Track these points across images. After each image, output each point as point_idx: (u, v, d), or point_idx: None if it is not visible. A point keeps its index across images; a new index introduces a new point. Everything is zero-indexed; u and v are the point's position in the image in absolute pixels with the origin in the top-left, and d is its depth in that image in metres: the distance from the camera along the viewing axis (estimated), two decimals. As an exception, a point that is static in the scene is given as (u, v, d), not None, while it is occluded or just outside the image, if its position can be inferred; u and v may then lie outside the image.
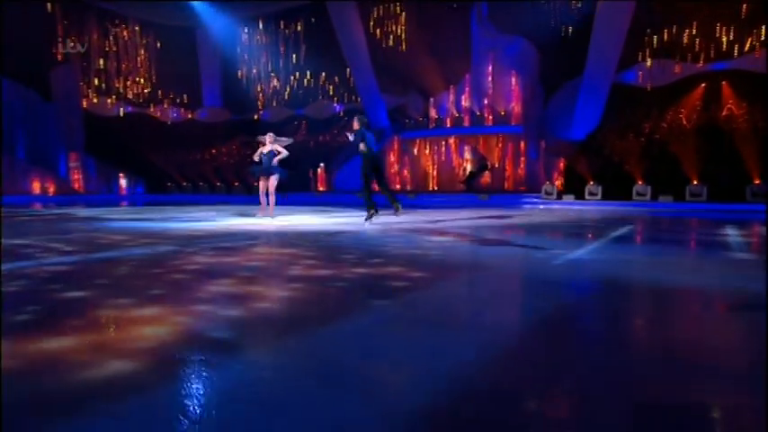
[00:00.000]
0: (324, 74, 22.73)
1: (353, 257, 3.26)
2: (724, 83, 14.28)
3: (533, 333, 1.85)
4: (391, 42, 20.22)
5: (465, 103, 18.42)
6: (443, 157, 18.74)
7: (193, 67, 23.94)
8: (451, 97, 18.89)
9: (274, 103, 23.88)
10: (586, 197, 12.69)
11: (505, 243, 4.05)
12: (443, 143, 18.79)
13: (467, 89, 18.35)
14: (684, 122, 14.30)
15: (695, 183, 11.64)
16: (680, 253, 3.80)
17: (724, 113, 13.78)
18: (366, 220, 5.86)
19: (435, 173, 18.83)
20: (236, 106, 24.00)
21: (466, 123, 18.09)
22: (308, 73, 23.03)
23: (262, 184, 6.47)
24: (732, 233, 5.11)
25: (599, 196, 12.53)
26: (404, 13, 19.90)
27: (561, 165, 14.87)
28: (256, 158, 6.53)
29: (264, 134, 6.64)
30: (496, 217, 6.94)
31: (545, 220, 6.51)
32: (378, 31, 20.16)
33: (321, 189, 19.25)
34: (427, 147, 19.25)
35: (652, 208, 10.16)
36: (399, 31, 20.06)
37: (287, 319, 2.00)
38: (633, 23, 14.67)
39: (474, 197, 14.07)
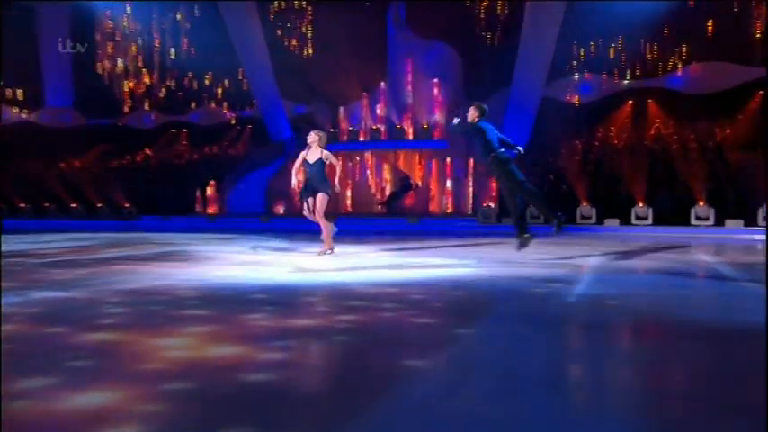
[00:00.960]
0: (211, 74, 21.65)
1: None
2: (650, 101, 15.70)
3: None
4: (295, 42, 19.82)
5: (381, 112, 18.41)
6: (358, 175, 18.46)
7: (31, 57, 21.47)
8: (365, 106, 18.80)
9: (146, 107, 22.23)
10: (528, 221, 12.88)
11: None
12: (358, 159, 18.62)
13: (382, 98, 18.39)
14: (615, 141, 15.45)
15: (641, 205, 12.48)
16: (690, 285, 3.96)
17: (652, 132, 15.11)
18: (519, 247, 5.31)
19: (349, 193, 18.45)
20: (93, 108, 21.89)
21: (383, 137, 18.06)
22: (191, 72, 21.83)
23: (307, 205, 5.62)
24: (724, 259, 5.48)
25: (540, 220, 12.77)
26: (310, 9, 19.65)
27: (493, 185, 15.25)
28: (296, 172, 5.64)
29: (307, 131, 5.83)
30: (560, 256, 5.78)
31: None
32: (279, 29, 19.66)
33: (211, 212, 17.98)
34: (339, 163, 18.81)
35: (600, 233, 10.65)
36: (305, 29, 19.75)
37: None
38: (561, 34, 15.65)
39: (399, 221, 14.00)
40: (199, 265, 4.78)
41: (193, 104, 21.98)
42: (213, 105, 21.88)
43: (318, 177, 5.73)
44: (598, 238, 9.29)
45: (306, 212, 5.77)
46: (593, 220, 12.75)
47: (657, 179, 12.71)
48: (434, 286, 3.67)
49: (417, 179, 17.35)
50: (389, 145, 17.69)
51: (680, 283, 3.91)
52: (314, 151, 5.79)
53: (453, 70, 17.55)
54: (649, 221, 12.24)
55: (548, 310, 2.87)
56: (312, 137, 5.79)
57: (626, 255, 6.01)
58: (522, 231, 5.40)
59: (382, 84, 18.05)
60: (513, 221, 5.49)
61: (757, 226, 11.09)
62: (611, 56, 16.27)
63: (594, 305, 3.01)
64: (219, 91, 21.77)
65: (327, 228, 5.72)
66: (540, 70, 16.31)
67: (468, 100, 17.37)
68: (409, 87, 17.89)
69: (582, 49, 16.72)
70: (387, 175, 17.81)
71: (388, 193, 17.14)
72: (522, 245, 5.37)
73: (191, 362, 1.98)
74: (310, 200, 5.70)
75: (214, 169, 19.02)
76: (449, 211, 16.72)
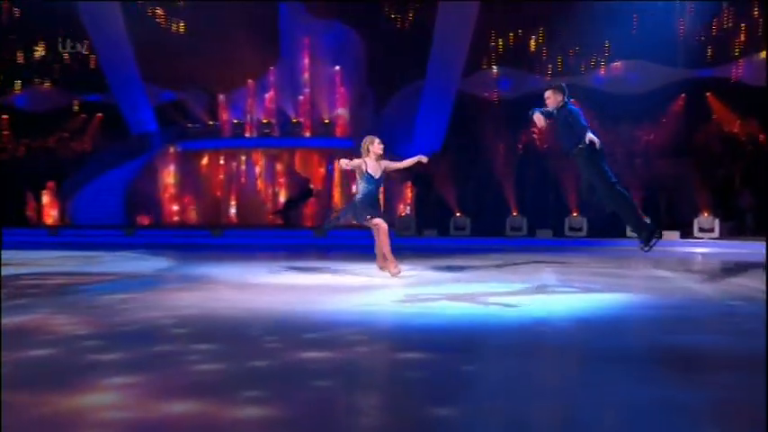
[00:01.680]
0: (44, 45, 18.90)
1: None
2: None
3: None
4: (161, 13, 17.92)
5: (271, 103, 17.24)
6: (244, 179, 17.10)
7: None
8: (252, 95, 17.47)
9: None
10: (452, 232, 12.83)
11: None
12: (244, 159, 17.27)
13: (273, 86, 17.24)
14: (538, 143, 15.64)
15: (575, 215, 12.55)
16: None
17: None
18: (646, 246, 5.12)
19: (233, 200, 16.99)
20: None
21: (275, 133, 16.93)
22: (16, 44, 18.92)
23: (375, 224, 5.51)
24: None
25: (467, 231, 12.73)
26: (179, -26, 17.91)
27: (408, 191, 14.74)
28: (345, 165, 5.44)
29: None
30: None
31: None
32: (139, -5, 17.67)
33: (50, 222, 15.51)
34: (221, 162, 17.37)
35: (531, 245, 10.62)
36: (172, -2, 17.95)
37: None
38: (479, 23, 15.56)
39: (299, 234, 13.14)
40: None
41: (18, 84, 19.15)
42: (47, 85, 19.33)
43: (376, 193, 5.68)
44: (549, 252, 8.94)
45: (367, 222, 5.69)
46: (524, 231, 12.70)
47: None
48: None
49: (318, 183, 16.47)
50: (283, 143, 16.69)
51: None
52: (375, 165, 5.62)
53: (358, 57, 16.96)
54: (584, 233, 12.40)
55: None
56: (380, 146, 5.59)
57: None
58: (647, 226, 5.22)
59: (272, 69, 17.01)
60: (629, 220, 5.29)
61: (693, 237, 11.65)
62: (532, 49, 16.54)
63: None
64: (57, 67, 19.18)
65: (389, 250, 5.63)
66: (455, 62, 16.18)
67: (375, 91, 17.13)
68: (306, 75, 17.01)
69: (501, 41, 16.83)
70: (281, 178, 16.71)
71: (283, 200, 16.10)
72: (653, 239, 5.17)
73: None
74: (369, 218, 5.64)
75: (50, 168, 16.62)
76: (354, 222, 15.90)
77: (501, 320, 3.55)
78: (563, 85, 5.54)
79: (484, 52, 16.85)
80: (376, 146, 5.77)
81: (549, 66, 16.38)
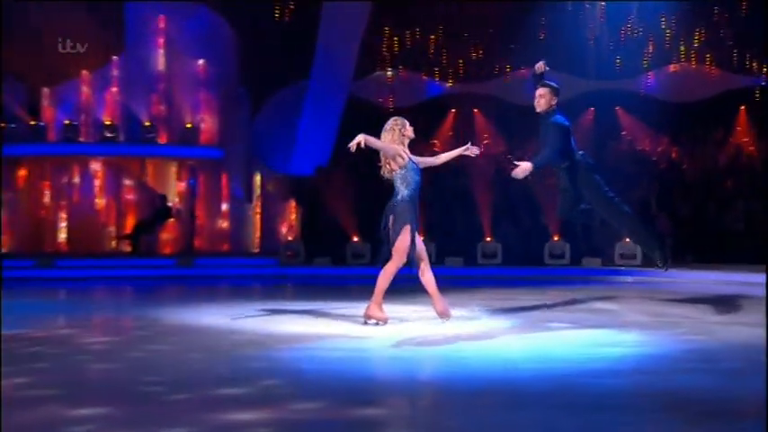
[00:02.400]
0: None
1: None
2: (476, 110, 16.15)
3: None
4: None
5: (114, 102, 15.50)
6: (78, 196, 15.25)
7: None
8: (87, 91, 15.62)
9: None
10: (349, 260, 12.20)
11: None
12: (78, 169, 15.27)
13: (116, 80, 15.52)
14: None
15: (488, 240, 12.21)
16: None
17: (482, 149, 15.38)
18: (663, 266, 5.40)
19: (64, 221, 15.07)
20: None
21: (121, 137, 15.20)
22: None
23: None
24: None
25: (367, 259, 12.07)
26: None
27: (292, 212, 13.87)
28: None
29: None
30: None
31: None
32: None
33: None
34: (45, 173, 15.37)
35: (445, 274, 9.89)
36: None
37: None
38: (373, 17, 15.16)
39: (156, 262, 12.13)
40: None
41: None
42: None
43: (412, 199, 5.24)
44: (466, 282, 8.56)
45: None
46: (432, 258, 12.24)
47: (499, 208, 12.69)
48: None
49: (177, 201, 14.95)
50: (132, 150, 15.14)
51: None
52: (402, 154, 5.23)
53: (228, 50, 15.58)
54: (498, 260, 12.16)
55: None
56: (411, 130, 5.32)
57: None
58: (659, 246, 5.35)
59: (116, 59, 15.40)
60: (638, 239, 5.47)
61: (614, 265, 11.68)
62: (432, 52, 16.37)
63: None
64: None
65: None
66: (345, 62, 15.45)
67: (249, 92, 16.11)
68: (160, 68, 15.53)
69: (396, 40, 16.47)
70: (129, 195, 15.06)
71: (133, 222, 14.48)
72: (665, 264, 5.37)
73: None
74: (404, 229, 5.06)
75: None
76: (225, 247, 14.86)
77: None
78: (556, 85, 5.43)
79: (378, 52, 16.39)
80: (408, 129, 5.37)
81: (450, 71, 16.30)
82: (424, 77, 16.53)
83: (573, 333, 5.19)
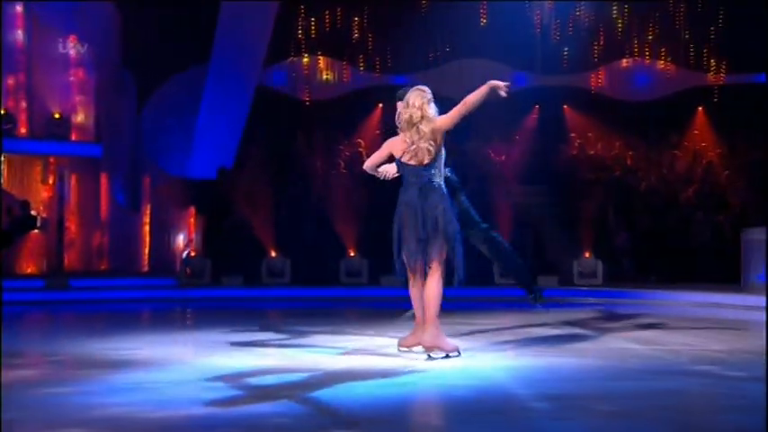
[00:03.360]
0: None
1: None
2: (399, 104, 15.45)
3: None
4: None
5: None
6: None
7: None
8: None
9: None
10: (264, 279, 11.48)
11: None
12: None
13: None
14: (365, 158, 14.60)
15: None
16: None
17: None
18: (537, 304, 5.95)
19: None
20: None
21: None
22: None
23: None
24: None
25: (287, 278, 11.46)
26: None
27: (191, 221, 12.71)
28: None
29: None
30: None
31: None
32: None
33: None
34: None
35: (382, 295, 10.09)
36: None
37: None
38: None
39: (16, 284, 10.59)
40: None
41: None
42: None
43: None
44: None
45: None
46: (365, 278, 11.59)
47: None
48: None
49: (42, 209, 13.57)
50: None
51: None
52: (424, 141, 4.69)
53: (107, 26, 14.47)
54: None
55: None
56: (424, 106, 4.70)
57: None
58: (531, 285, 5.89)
59: None
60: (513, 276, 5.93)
61: (574, 285, 11.19)
62: (356, 37, 15.50)
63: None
64: None
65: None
66: (254, 45, 14.60)
67: (134, 77, 14.72)
68: (19, 43, 13.99)
69: (314, 23, 15.47)
70: None
71: None
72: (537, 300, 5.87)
73: None
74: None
75: None
76: (102, 266, 13.52)
77: None
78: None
79: (292, 36, 15.39)
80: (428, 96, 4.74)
81: (377, 59, 15.46)
82: (347, 66, 15.56)
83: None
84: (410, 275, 4.77)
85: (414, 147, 4.64)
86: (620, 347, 5.57)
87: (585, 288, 10.99)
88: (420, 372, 4.38)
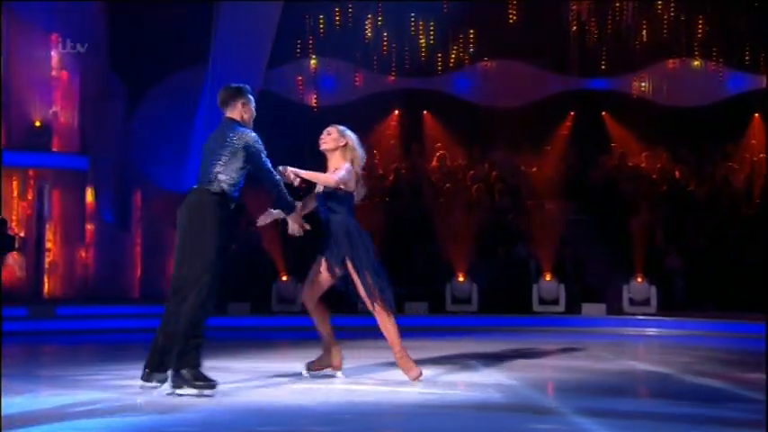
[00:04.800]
0: None
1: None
2: (426, 111, 15.45)
3: None
4: None
5: None
6: None
7: None
8: None
9: None
10: (275, 306, 11.39)
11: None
12: None
13: None
14: (380, 171, 14.54)
15: (461, 279, 11.42)
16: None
17: (435, 162, 14.58)
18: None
19: None
20: None
21: None
22: None
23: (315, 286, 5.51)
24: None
25: (298, 306, 10.84)
26: None
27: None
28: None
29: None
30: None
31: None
32: None
33: None
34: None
35: (406, 324, 9.58)
36: None
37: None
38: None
39: None
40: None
41: None
42: None
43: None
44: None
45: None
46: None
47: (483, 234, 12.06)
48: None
49: (22, 228, 13.36)
50: None
51: None
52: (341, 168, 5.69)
53: (94, 25, 14.37)
54: (474, 308, 11.29)
55: None
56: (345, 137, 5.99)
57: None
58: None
59: None
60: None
61: (624, 314, 10.95)
62: (369, 38, 15.46)
63: None
64: None
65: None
66: (256, 47, 14.60)
67: (123, 83, 14.71)
68: None
69: (323, 19, 15.44)
70: None
71: None
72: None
73: None
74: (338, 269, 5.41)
75: None
76: (88, 293, 13.32)
77: None
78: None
79: (298, 36, 15.33)
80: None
81: (393, 60, 15.30)
82: (359, 68, 15.58)
83: None
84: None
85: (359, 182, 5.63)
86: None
87: (640, 317, 10.82)
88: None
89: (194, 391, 4.63)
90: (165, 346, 4.76)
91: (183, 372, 4.63)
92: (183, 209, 4.88)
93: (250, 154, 4.93)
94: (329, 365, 5.53)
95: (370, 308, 5.35)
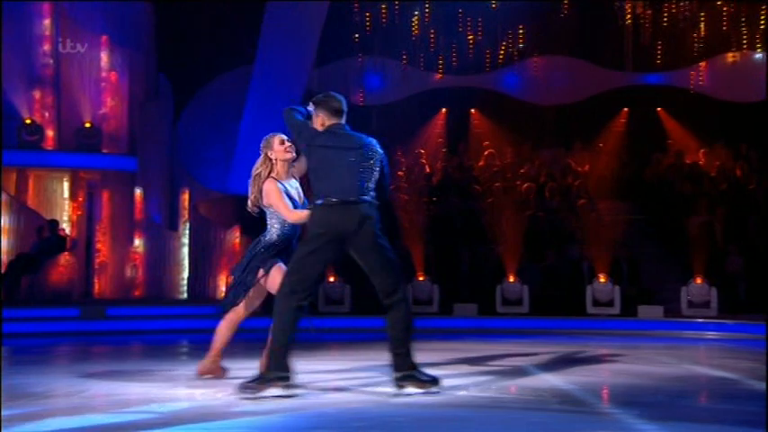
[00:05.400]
0: None
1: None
2: (473, 110, 15.29)
3: None
4: None
5: None
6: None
7: None
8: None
9: None
10: (322, 308, 11.29)
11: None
12: None
13: None
14: (428, 170, 14.51)
15: (511, 280, 11.28)
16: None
17: (482, 161, 14.48)
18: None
19: None
20: None
21: None
22: None
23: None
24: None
25: (346, 307, 11.34)
26: None
27: (236, 244, 12.73)
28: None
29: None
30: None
31: None
32: None
33: None
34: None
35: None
36: None
37: None
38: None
39: (44, 312, 10.90)
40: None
41: None
42: None
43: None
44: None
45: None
46: (435, 307, 11.27)
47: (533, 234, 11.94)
48: None
49: (71, 228, 13.62)
50: (4, 158, 13.19)
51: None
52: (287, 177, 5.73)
53: (142, 25, 14.61)
54: (525, 308, 11.18)
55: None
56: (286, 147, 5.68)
57: None
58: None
59: None
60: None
61: (682, 316, 10.77)
62: (416, 35, 15.40)
63: None
64: None
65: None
66: (302, 47, 14.64)
67: (171, 83, 14.92)
68: (46, 47, 14.19)
69: (369, 15, 15.45)
70: (5, 218, 13.23)
71: (6, 258, 12.85)
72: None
73: None
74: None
75: None
76: (137, 293, 13.51)
77: None
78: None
79: (346, 33, 15.37)
80: (277, 146, 5.61)
81: (440, 58, 15.31)
82: (405, 66, 15.50)
83: None
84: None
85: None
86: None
87: (700, 320, 10.55)
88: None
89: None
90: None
91: (414, 372, 4.85)
92: (355, 221, 4.84)
93: (384, 165, 5.10)
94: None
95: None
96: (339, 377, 5.74)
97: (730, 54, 14.68)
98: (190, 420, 4.20)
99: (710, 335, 9.92)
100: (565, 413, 4.45)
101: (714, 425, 4.18)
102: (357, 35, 15.51)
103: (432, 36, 15.43)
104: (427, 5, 15.36)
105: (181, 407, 4.66)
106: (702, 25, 14.54)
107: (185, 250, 13.37)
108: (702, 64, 14.70)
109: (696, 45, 14.67)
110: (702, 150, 13.81)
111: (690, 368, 7.04)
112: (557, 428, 4.07)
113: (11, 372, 6.89)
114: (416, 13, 15.35)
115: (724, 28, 14.49)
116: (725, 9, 14.38)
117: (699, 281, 10.73)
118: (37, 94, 14.06)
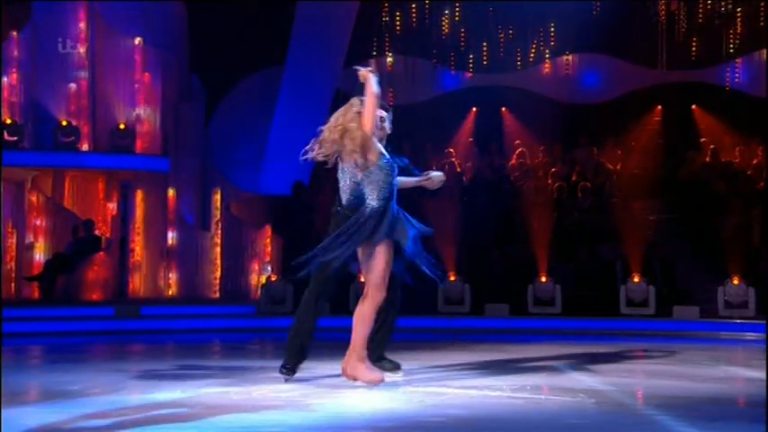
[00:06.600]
0: None
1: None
2: (504, 108, 15.25)
3: None
4: None
5: (16, 94, 14.57)
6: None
7: None
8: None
9: None
10: (353, 307, 11.07)
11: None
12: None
13: (17, 66, 14.46)
14: (458, 169, 14.46)
15: (543, 280, 11.23)
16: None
17: (513, 159, 14.41)
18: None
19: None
20: None
21: (26, 143, 14.15)
22: None
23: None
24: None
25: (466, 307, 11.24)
26: None
27: (267, 244, 12.82)
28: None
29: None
30: None
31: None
32: None
33: None
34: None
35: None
36: None
37: None
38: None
39: (79, 312, 11.19)
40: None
41: None
42: None
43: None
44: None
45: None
46: (467, 307, 11.24)
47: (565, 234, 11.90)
48: None
49: (106, 228, 13.82)
50: (43, 159, 14.21)
51: None
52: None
53: (175, 27, 14.79)
54: (557, 308, 11.10)
55: None
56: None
57: None
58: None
59: (16, 34, 14.40)
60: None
61: (719, 317, 10.64)
62: (445, 31, 15.37)
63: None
64: None
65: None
66: (332, 46, 14.71)
67: (203, 84, 15.08)
68: (82, 49, 14.39)
69: (399, 16, 15.49)
70: (38, 218, 13.80)
71: (42, 257, 13.32)
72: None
73: None
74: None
75: None
76: (171, 292, 13.68)
77: None
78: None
79: (375, 32, 15.51)
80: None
81: (471, 57, 15.35)
82: (436, 66, 15.46)
83: None
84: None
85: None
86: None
87: (738, 321, 10.39)
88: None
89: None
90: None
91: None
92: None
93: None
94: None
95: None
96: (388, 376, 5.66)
97: (766, 51, 14.48)
98: (223, 416, 4.22)
99: (749, 336, 9.77)
100: (603, 414, 4.39)
101: (754, 427, 4.10)
102: (387, 35, 15.50)
103: (462, 35, 15.38)
104: (457, 5, 15.30)
105: (213, 403, 4.69)
106: (738, 21, 14.33)
107: (218, 250, 13.50)
108: (738, 60, 14.50)
109: (732, 42, 14.45)
110: (738, 148, 13.60)
111: (727, 369, 6.95)
112: (595, 431, 4.01)
113: (47, 370, 7.03)
114: (446, 12, 15.31)
115: (761, 24, 14.27)
116: (762, 5, 14.16)
117: (736, 281, 10.55)
118: (72, 97, 14.33)
